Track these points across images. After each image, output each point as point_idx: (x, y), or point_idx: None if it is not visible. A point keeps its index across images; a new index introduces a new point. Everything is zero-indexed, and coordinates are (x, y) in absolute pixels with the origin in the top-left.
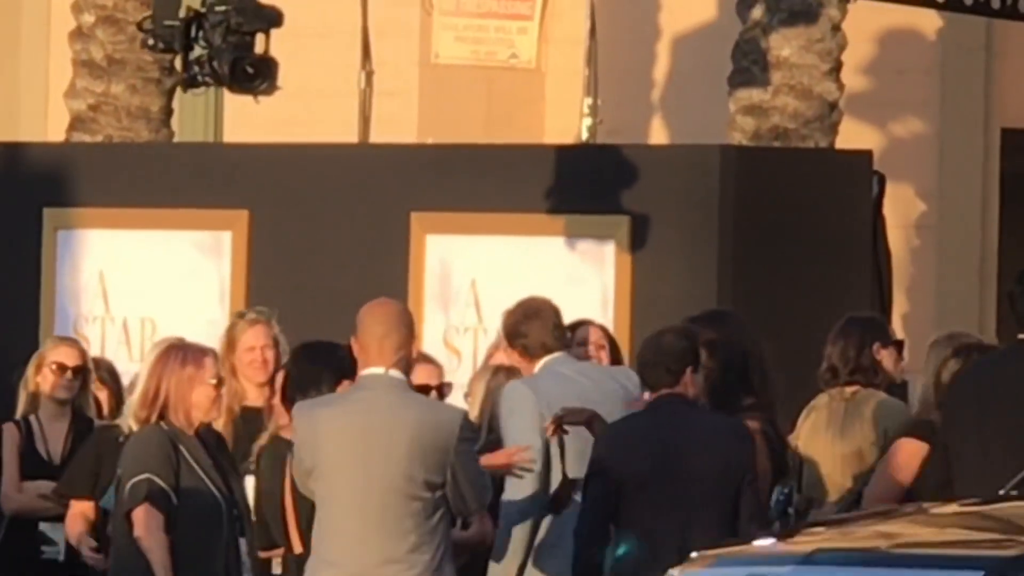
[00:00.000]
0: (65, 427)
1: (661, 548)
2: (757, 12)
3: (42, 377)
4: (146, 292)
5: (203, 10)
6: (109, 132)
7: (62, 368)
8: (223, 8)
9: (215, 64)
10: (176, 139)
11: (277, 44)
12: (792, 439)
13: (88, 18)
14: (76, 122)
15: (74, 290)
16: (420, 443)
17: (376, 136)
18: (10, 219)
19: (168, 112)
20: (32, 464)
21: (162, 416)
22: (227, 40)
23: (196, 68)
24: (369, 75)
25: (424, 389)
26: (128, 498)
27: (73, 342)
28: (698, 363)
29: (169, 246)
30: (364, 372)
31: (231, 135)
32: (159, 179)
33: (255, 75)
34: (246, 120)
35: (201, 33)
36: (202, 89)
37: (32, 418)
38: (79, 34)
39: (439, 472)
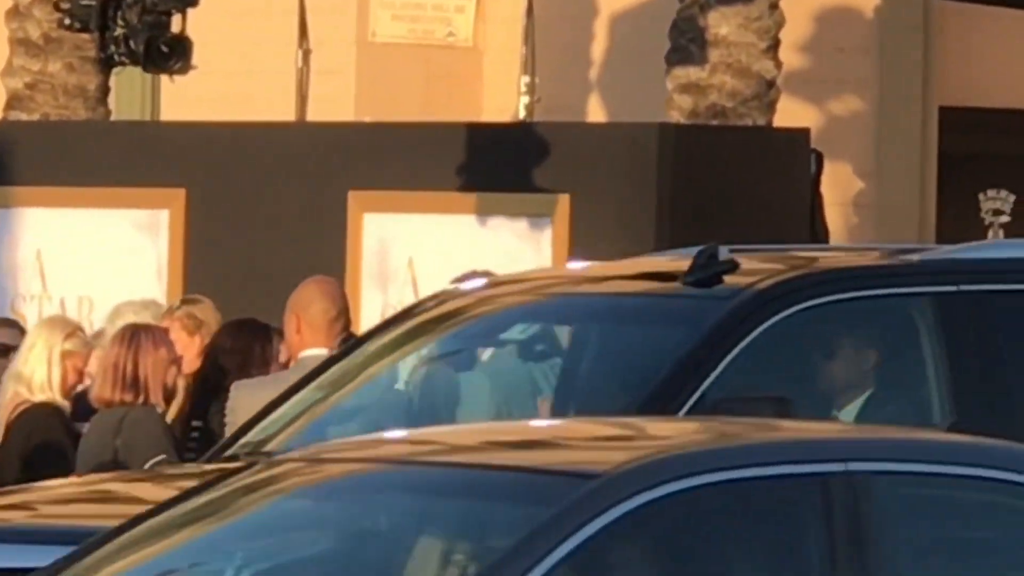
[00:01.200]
0: None
1: None
2: None
3: None
4: (84, 271)
5: None
6: (46, 111)
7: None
8: None
9: (131, 43)
10: (113, 118)
11: (213, 22)
12: None
13: None
14: (13, 100)
15: (11, 269)
16: None
17: (314, 115)
18: None
19: (105, 91)
20: None
21: (140, 397)
22: (143, 20)
23: (113, 47)
24: (306, 54)
25: None
26: None
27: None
28: None
29: (107, 225)
30: (307, 352)
31: (168, 114)
32: (96, 158)
33: (170, 54)
34: (183, 99)
35: (119, 13)
36: (119, 68)
37: None
38: (16, 12)
39: None
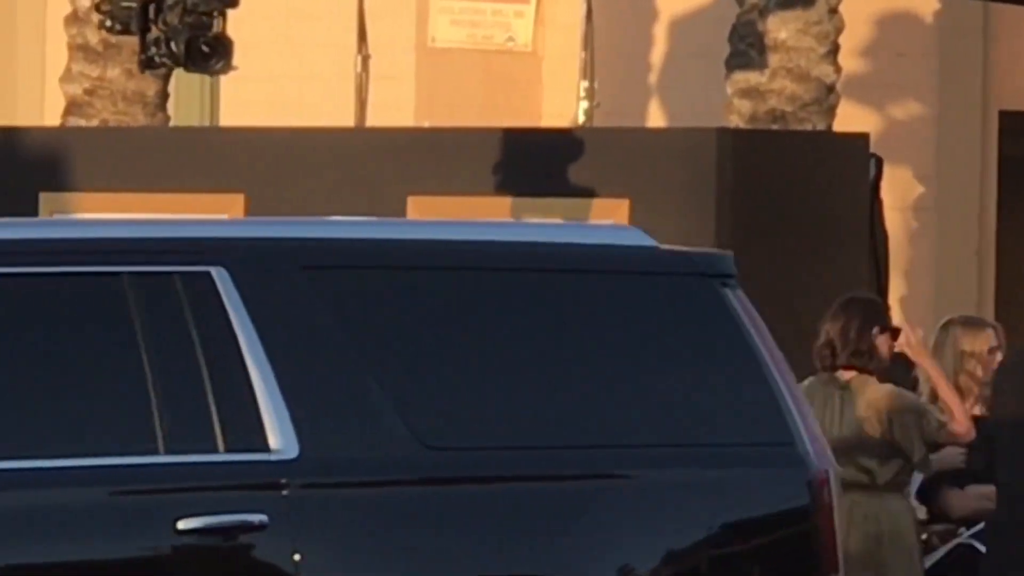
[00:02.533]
0: None
1: None
2: None
3: None
4: None
5: None
6: (105, 116)
7: None
8: None
9: (171, 44)
10: (172, 123)
11: (272, 27)
12: None
13: (84, 2)
14: (72, 107)
15: None
16: None
17: (372, 120)
18: (6, 204)
19: (164, 96)
20: None
21: None
22: (183, 20)
23: (153, 49)
24: (365, 59)
25: None
26: None
27: None
28: None
29: None
30: None
31: (227, 119)
32: (155, 163)
33: (211, 54)
34: (242, 104)
35: (159, 15)
36: (162, 70)
37: None
38: (74, 18)
39: None
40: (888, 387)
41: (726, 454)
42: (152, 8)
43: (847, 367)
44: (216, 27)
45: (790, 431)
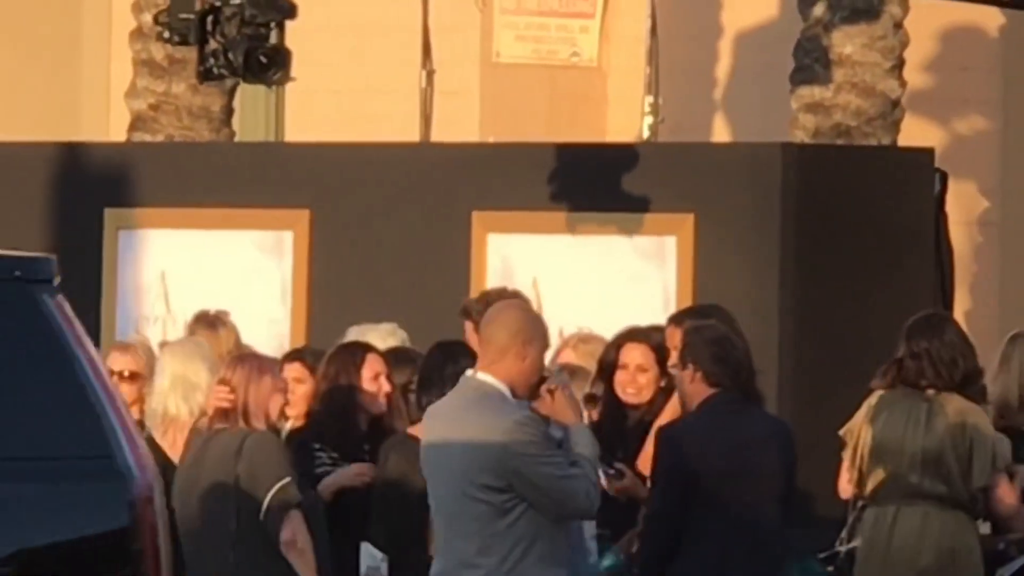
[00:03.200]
0: None
1: (731, 552)
2: (819, 9)
3: None
4: (207, 292)
5: (218, 3)
6: (170, 132)
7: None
8: (237, 1)
9: (230, 55)
10: (237, 138)
11: (337, 42)
12: (849, 433)
13: (148, 18)
14: (137, 122)
15: (135, 290)
16: (474, 446)
17: (437, 135)
18: (72, 219)
19: (229, 111)
20: None
21: (240, 423)
22: (241, 32)
23: (212, 60)
24: (430, 74)
25: None
26: (278, 503)
27: (127, 347)
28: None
29: (230, 246)
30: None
31: (292, 134)
32: (220, 179)
33: (269, 65)
34: (307, 119)
35: (217, 26)
36: (227, 84)
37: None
38: (139, 34)
39: (496, 476)
40: (975, 406)
41: (27, 468)
42: (210, 20)
43: (930, 386)
44: (274, 38)
45: (109, 444)
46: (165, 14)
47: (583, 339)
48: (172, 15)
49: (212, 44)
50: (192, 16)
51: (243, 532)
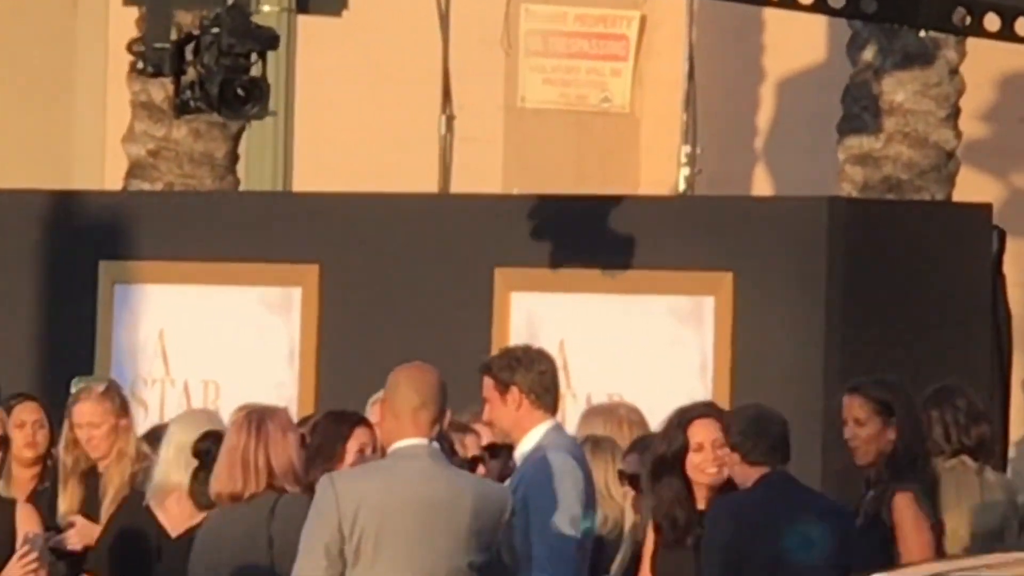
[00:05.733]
0: None
1: None
2: (869, 54)
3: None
4: (209, 352)
5: (196, 32)
6: (170, 179)
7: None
8: (215, 30)
9: (207, 87)
10: (242, 187)
11: (350, 87)
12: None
13: None
14: (135, 168)
15: (132, 350)
16: (477, 519)
17: (457, 185)
18: (64, 273)
19: (234, 158)
20: None
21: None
22: (219, 62)
23: (188, 93)
24: (450, 120)
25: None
26: None
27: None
28: None
29: (234, 303)
30: (401, 443)
31: (301, 183)
32: (224, 230)
33: (246, 98)
34: (318, 168)
35: (197, 56)
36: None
37: None
38: (138, 74)
39: (486, 552)
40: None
41: None
42: (189, 50)
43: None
44: (256, 71)
45: None
46: (140, 43)
47: (611, 407)
48: (147, 44)
49: (191, 75)
50: (167, 46)
51: None
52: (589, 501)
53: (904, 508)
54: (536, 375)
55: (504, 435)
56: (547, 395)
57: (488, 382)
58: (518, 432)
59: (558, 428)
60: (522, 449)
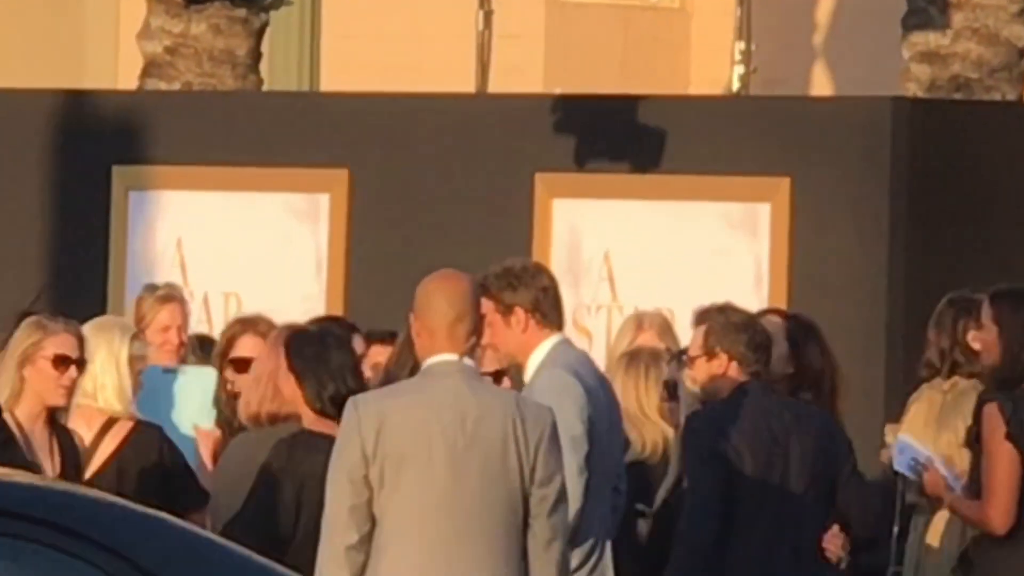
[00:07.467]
0: None
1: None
2: None
3: None
4: (230, 264)
5: None
6: (188, 79)
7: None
8: None
9: None
10: (265, 87)
11: None
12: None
13: None
14: (150, 67)
15: (147, 260)
16: (511, 441)
17: (496, 86)
18: (76, 179)
19: (256, 56)
20: None
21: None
22: None
23: None
24: (488, 15)
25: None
26: None
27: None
28: None
29: (257, 210)
30: (433, 359)
31: (329, 83)
32: (246, 133)
33: None
34: (346, 66)
35: None
36: (204, 4)
37: None
38: None
39: (521, 477)
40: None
41: None
42: None
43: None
44: None
45: None
46: None
47: (660, 320)
48: None
49: None
50: None
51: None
52: (604, 421)
53: (989, 418)
54: (539, 292)
55: (510, 359)
56: (553, 312)
57: (488, 304)
58: (525, 354)
59: (563, 343)
60: (529, 371)
